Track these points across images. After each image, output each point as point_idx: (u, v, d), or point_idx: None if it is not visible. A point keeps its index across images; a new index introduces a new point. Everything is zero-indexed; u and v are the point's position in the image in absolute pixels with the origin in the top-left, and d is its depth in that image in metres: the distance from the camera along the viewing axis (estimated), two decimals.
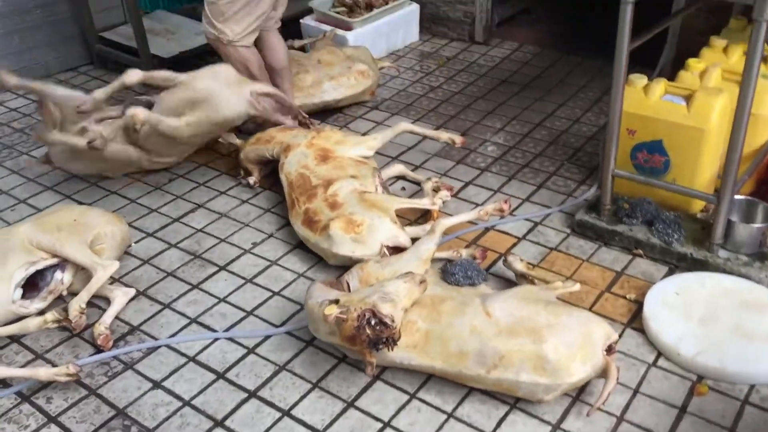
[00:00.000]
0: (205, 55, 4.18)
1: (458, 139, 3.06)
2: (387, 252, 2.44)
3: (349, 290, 2.19)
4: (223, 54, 3.16)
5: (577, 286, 2.26)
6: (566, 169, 3.16)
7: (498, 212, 2.51)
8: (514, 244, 2.71)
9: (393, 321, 1.92)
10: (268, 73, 3.30)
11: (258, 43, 3.23)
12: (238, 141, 3.11)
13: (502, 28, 4.51)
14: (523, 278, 2.38)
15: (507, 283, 2.49)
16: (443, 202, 2.88)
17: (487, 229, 2.78)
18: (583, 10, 4.57)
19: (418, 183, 3.02)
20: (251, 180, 3.03)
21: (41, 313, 2.31)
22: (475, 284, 2.22)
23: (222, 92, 2.88)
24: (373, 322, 1.91)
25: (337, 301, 1.98)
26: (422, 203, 2.73)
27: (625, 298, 2.43)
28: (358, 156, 2.86)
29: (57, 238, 2.37)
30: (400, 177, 3.12)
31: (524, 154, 3.29)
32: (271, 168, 3.04)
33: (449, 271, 2.23)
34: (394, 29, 4.28)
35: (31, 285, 2.37)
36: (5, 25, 3.92)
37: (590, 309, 2.38)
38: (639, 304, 2.36)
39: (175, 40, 4.20)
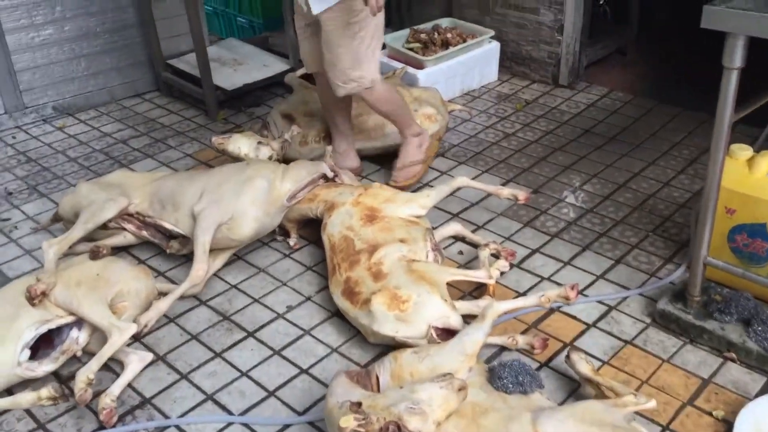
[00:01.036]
0: (271, 86, 4.05)
1: (521, 196, 2.72)
2: (435, 334, 2.14)
3: (378, 386, 1.90)
4: (367, 102, 2.94)
5: (652, 403, 1.89)
6: (651, 242, 2.77)
7: (562, 299, 2.16)
8: (582, 333, 2.35)
9: None
10: (334, 115, 3.11)
11: (323, 84, 3.03)
12: None
13: (591, 71, 4.14)
14: (587, 383, 2.03)
15: (568, 384, 2.14)
16: (501, 274, 2.55)
17: (551, 310, 2.43)
18: (686, 53, 4.13)
19: (476, 246, 2.70)
20: (291, 241, 2.80)
21: (56, 374, 2.15)
22: (527, 392, 1.88)
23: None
24: None
25: (359, 405, 1.69)
26: (477, 276, 2.41)
27: (711, 415, 2.03)
28: (409, 215, 2.58)
29: (75, 294, 2.19)
30: (458, 238, 2.81)
31: (603, 220, 2.91)
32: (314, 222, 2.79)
33: (497, 374, 1.91)
34: (470, 69, 3.99)
35: (47, 341, 2.20)
36: (72, 50, 3.87)
37: (668, 426, 2.00)
38: (728, 425, 1.96)
39: (242, 71, 4.06)
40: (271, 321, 2.43)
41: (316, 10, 2.69)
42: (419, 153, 3.05)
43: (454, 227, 2.80)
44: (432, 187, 2.98)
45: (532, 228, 2.88)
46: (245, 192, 2.59)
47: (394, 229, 2.48)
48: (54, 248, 2.35)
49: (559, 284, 2.55)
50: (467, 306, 2.34)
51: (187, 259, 2.72)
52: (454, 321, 2.18)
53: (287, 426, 2.03)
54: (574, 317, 2.42)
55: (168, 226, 2.64)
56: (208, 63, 3.72)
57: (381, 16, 2.75)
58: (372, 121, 3.32)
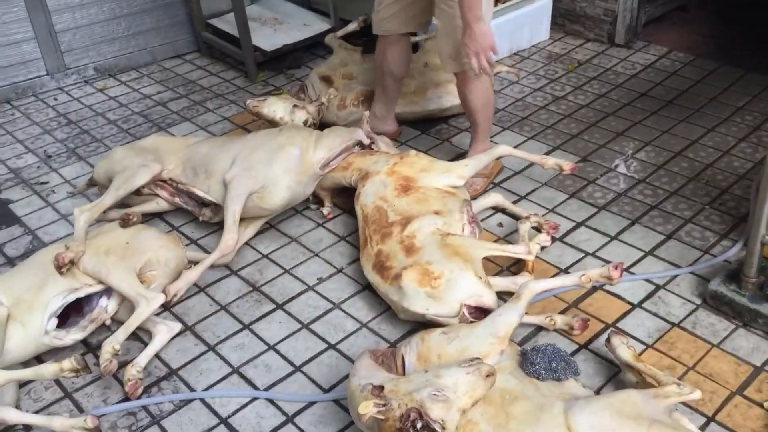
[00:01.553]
0: (312, 47, 3.94)
1: (567, 166, 2.56)
2: (467, 313, 2.05)
3: (404, 368, 1.82)
4: (465, 87, 2.68)
5: (697, 394, 1.76)
6: (706, 216, 2.59)
7: (605, 279, 2.02)
8: (626, 313, 2.22)
9: (444, 428, 1.54)
10: (388, 80, 2.98)
11: (387, 48, 2.89)
12: None
13: (649, 29, 3.89)
14: (628, 370, 1.91)
15: (607, 368, 2.02)
16: (542, 249, 2.43)
17: (594, 288, 2.30)
18: (753, 11, 3.83)
19: (517, 218, 2.57)
20: (325, 210, 2.72)
21: (85, 342, 2.15)
22: (560, 379, 1.78)
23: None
24: (418, 426, 1.54)
25: (381, 389, 1.62)
26: (516, 251, 2.30)
27: (761, 406, 1.89)
28: (447, 186, 2.46)
29: (104, 263, 2.17)
30: (498, 209, 2.69)
31: (655, 191, 2.74)
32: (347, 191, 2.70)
33: (529, 359, 1.80)
34: (519, 26, 3.79)
35: (77, 309, 2.19)
36: (113, 10, 3.82)
37: (714, 417, 1.87)
38: None
39: (282, 31, 3.95)
40: (301, 293, 2.37)
41: None
42: (484, 168, 2.69)
43: (495, 198, 2.67)
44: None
45: (578, 199, 2.73)
46: (277, 160, 2.52)
47: (430, 200, 2.37)
48: (85, 215, 2.33)
49: (604, 261, 2.42)
50: (503, 283, 2.23)
51: (220, 226, 2.68)
52: (488, 299, 2.08)
53: (312, 403, 1.98)
54: (618, 296, 2.28)
55: (200, 193, 2.60)
56: (246, 23, 3.62)
57: None
58: (414, 85, 3.19)
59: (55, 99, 3.70)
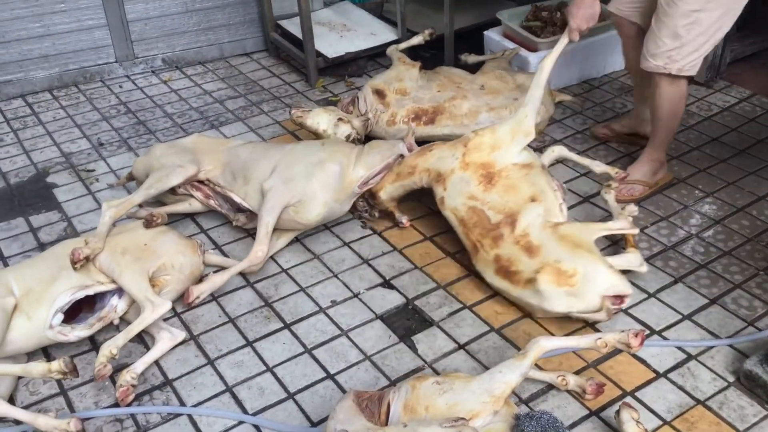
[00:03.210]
0: (376, 56, 3.88)
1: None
2: (610, 305, 2.13)
3: (387, 415, 1.73)
4: (657, 90, 2.61)
5: None
6: (758, 283, 2.37)
7: (624, 346, 1.86)
8: (648, 382, 2.05)
9: None
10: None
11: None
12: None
13: (735, 69, 3.62)
14: None
15: None
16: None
17: (617, 350, 2.13)
18: None
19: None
20: (404, 219, 2.69)
21: (91, 340, 2.17)
22: None
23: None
24: None
25: None
26: (620, 227, 2.36)
27: None
28: (522, 154, 2.45)
29: (118, 262, 2.18)
30: (560, 161, 2.88)
31: (708, 248, 2.53)
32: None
33: (520, 426, 1.67)
34: (591, 55, 3.60)
35: (90, 304, 2.22)
36: (185, 3, 3.88)
37: None
38: None
39: (348, 38, 3.91)
40: (312, 314, 2.32)
41: None
42: (651, 177, 2.79)
43: (559, 150, 2.68)
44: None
45: (621, 247, 2.55)
46: (316, 175, 2.50)
47: (518, 186, 2.36)
48: (112, 211, 2.35)
49: (637, 320, 2.26)
50: (619, 262, 2.29)
51: (248, 234, 2.67)
52: (624, 287, 2.16)
53: None
54: (643, 361, 2.12)
55: (237, 199, 2.58)
56: (311, 27, 3.60)
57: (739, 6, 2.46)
58: (466, 107, 3.08)
59: (120, 87, 3.80)
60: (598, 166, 2.62)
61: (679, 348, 2.15)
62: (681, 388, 2.03)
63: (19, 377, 2.06)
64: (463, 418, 1.61)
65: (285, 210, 2.46)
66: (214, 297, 2.39)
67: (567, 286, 2.13)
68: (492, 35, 3.67)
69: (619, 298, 2.15)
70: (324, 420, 1.95)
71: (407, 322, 2.29)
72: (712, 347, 2.15)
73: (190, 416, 1.98)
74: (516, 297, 2.25)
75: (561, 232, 2.24)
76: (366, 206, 2.69)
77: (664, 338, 2.19)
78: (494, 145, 2.43)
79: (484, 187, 2.37)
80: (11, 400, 2.00)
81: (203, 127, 3.40)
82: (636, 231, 2.39)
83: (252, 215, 2.58)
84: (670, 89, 2.58)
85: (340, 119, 2.93)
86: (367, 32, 3.97)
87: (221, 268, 2.42)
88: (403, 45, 3.49)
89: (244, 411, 2.00)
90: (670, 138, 2.79)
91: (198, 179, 2.65)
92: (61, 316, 2.10)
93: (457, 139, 2.57)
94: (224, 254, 2.59)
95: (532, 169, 2.42)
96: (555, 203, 2.33)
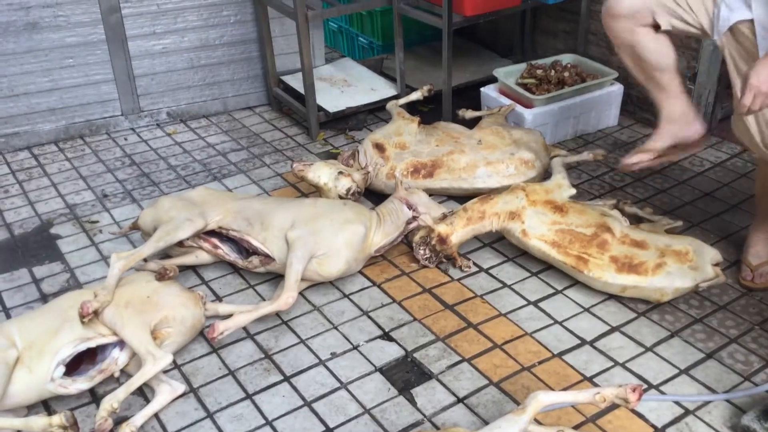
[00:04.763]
0: (376, 111, 3.98)
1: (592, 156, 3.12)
2: (720, 271, 2.53)
3: None
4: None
5: None
6: (754, 338, 2.40)
7: (621, 401, 1.88)
8: None
9: None
10: (655, 75, 2.38)
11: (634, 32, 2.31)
12: (441, 227, 2.75)
13: (725, 125, 3.67)
14: None
15: None
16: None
17: (616, 405, 2.14)
18: None
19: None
20: (469, 264, 2.80)
21: (92, 392, 2.18)
22: None
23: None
24: None
25: None
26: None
27: None
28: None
29: (121, 315, 2.20)
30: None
31: (702, 303, 2.56)
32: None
33: None
34: (586, 111, 3.69)
35: (91, 356, 2.23)
36: (190, 59, 3.99)
37: None
38: None
39: (349, 93, 4.01)
40: (311, 367, 2.33)
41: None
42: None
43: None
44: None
45: (619, 302, 2.58)
46: (343, 232, 2.61)
47: (586, 209, 2.69)
48: (121, 263, 2.38)
49: (634, 374, 2.28)
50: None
51: (250, 286, 2.71)
52: (717, 254, 2.55)
53: None
54: (641, 416, 2.13)
55: (255, 243, 2.63)
56: (313, 83, 3.70)
57: None
58: (464, 161, 3.15)
59: (125, 139, 3.87)
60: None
61: (677, 402, 2.17)
62: None
63: None
64: None
65: (309, 261, 2.53)
66: (214, 349, 2.41)
67: (688, 262, 2.48)
68: (489, 92, 3.77)
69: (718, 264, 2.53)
70: None
71: (406, 374, 2.30)
72: (709, 402, 2.16)
73: None
74: (645, 287, 2.47)
75: (642, 226, 2.69)
76: (428, 253, 2.76)
77: (662, 392, 2.21)
78: (548, 190, 2.75)
79: (560, 215, 2.65)
80: None
81: (206, 179, 3.46)
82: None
83: (266, 259, 2.62)
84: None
85: (340, 173, 3.00)
86: (367, 87, 4.07)
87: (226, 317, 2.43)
88: (403, 100, 3.58)
89: None
90: None
91: (208, 229, 2.69)
92: (62, 369, 2.11)
93: (510, 187, 2.81)
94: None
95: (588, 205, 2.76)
96: (618, 214, 2.70)
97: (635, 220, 2.81)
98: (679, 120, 2.38)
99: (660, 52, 2.31)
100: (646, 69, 2.35)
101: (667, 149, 2.47)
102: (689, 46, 3.48)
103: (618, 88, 3.74)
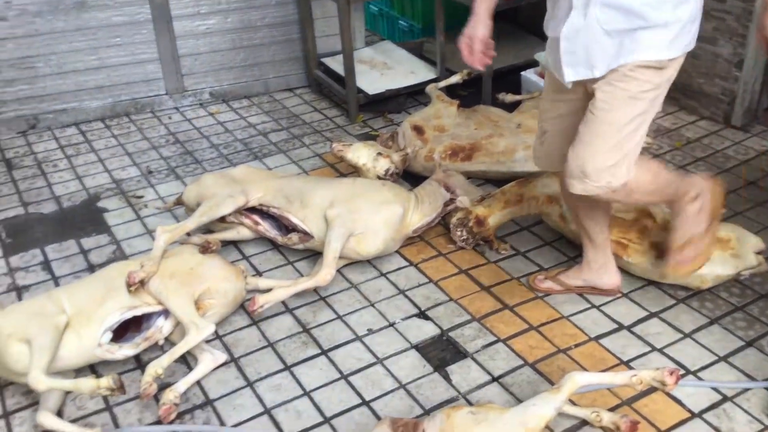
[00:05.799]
0: (415, 94, 3.98)
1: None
2: (762, 260, 2.47)
3: None
4: (613, 200, 2.21)
5: None
6: None
7: (659, 384, 1.88)
8: (683, 422, 2.05)
9: None
10: (585, 213, 2.35)
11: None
12: (479, 209, 2.77)
13: None
14: None
15: None
16: None
17: (654, 388, 2.14)
18: None
19: None
20: (506, 246, 2.80)
21: (136, 359, 2.25)
22: None
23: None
24: None
25: None
26: None
27: None
28: None
29: (166, 285, 2.26)
30: None
31: (744, 291, 2.53)
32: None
33: None
34: None
35: (137, 324, 2.30)
36: (233, 40, 4.04)
37: None
38: None
39: (388, 77, 4.03)
40: (348, 342, 2.37)
41: (572, 76, 1.98)
42: (699, 221, 2.26)
43: None
44: None
45: (658, 288, 2.57)
46: (382, 212, 2.64)
47: None
48: (166, 236, 2.44)
49: (672, 359, 2.27)
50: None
51: (288, 262, 2.75)
52: (762, 243, 2.51)
53: None
54: (678, 401, 2.12)
55: (294, 220, 2.67)
56: (352, 65, 3.72)
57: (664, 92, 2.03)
58: (503, 144, 3.15)
59: (169, 118, 3.95)
60: None
61: (715, 389, 2.15)
62: (716, 429, 2.02)
63: (67, 392, 2.14)
64: None
65: (347, 239, 2.57)
66: (254, 321, 2.46)
67: (729, 249, 2.45)
68: (529, 75, 3.75)
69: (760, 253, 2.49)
70: None
71: (442, 352, 2.33)
72: (748, 389, 2.14)
73: None
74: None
75: None
76: (465, 235, 2.77)
77: (700, 378, 2.19)
78: None
79: None
80: (59, 414, 2.07)
81: (247, 159, 3.52)
82: None
83: (305, 236, 2.67)
84: (627, 189, 2.07)
85: (379, 154, 3.02)
86: (407, 70, 4.08)
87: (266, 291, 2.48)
88: (442, 83, 3.59)
89: None
90: (678, 180, 2.25)
91: (249, 206, 2.74)
92: (109, 335, 2.18)
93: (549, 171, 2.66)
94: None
95: None
96: None
97: None
98: (598, 270, 2.46)
99: (596, 217, 2.35)
100: (581, 219, 2.38)
101: (578, 288, 2.52)
102: (736, 32, 3.41)
103: None
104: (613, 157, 1.99)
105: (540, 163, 2.38)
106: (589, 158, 2.00)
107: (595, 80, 1.97)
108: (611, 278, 2.48)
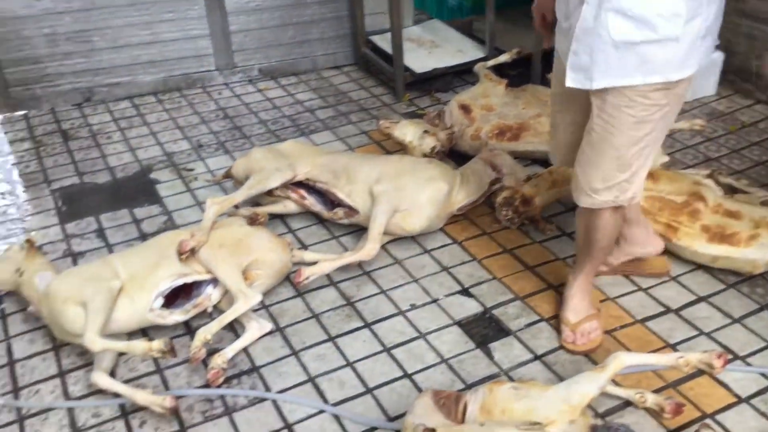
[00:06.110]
0: (463, 73, 3.96)
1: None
2: None
3: (464, 415, 1.78)
4: (592, 216, 2.10)
5: None
6: None
7: (706, 367, 1.86)
8: (729, 406, 2.02)
9: None
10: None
11: None
12: (525, 188, 2.77)
13: None
14: None
15: None
16: None
17: (700, 371, 2.11)
18: None
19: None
20: (550, 227, 2.77)
21: (186, 324, 2.31)
22: None
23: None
24: None
25: (433, 431, 1.60)
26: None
27: None
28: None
29: (215, 255, 2.31)
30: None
31: None
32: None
33: None
34: None
35: (187, 291, 2.36)
36: (282, 17, 4.07)
37: None
38: None
39: (436, 55, 4.01)
40: (391, 316, 2.39)
41: (571, 82, 1.90)
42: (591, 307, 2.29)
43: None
44: None
45: (708, 272, 2.52)
46: (427, 189, 2.64)
47: (679, 177, 2.64)
48: (215, 207, 2.50)
49: (719, 344, 2.23)
50: None
51: (334, 236, 2.78)
52: None
53: (374, 428, 2.00)
54: (725, 386, 2.09)
55: (340, 195, 2.71)
56: (400, 43, 3.71)
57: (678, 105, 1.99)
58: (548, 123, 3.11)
59: (219, 93, 4.01)
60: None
61: (763, 375, 2.11)
62: (764, 415, 1.99)
63: (120, 354, 2.21)
64: (539, 423, 1.64)
65: (392, 215, 2.59)
66: (299, 293, 2.50)
67: None
68: None
69: None
70: (400, 416, 2.02)
71: (484, 330, 2.33)
72: None
73: (274, 402, 2.09)
74: (736, 258, 2.41)
75: (736, 198, 2.59)
76: (510, 214, 2.75)
77: (748, 364, 2.16)
78: None
79: (651, 182, 2.54)
80: (112, 375, 2.14)
81: (294, 135, 3.55)
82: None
83: (351, 211, 2.69)
84: (614, 218, 2.11)
85: (425, 132, 3.02)
86: (454, 49, 4.05)
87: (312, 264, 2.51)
88: (491, 63, 3.56)
89: (325, 401, 2.08)
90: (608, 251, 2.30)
91: (296, 181, 2.78)
92: (161, 301, 2.25)
93: None
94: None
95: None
96: (712, 183, 2.65)
97: (730, 191, 2.72)
98: (638, 241, 2.41)
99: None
100: None
101: (623, 265, 2.47)
102: None
103: (718, 56, 3.59)
104: (622, 175, 1.98)
105: (553, 157, 2.35)
106: (596, 177, 1.99)
107: (594, 91, 1.90)
108: (653, 245, 2.44)
